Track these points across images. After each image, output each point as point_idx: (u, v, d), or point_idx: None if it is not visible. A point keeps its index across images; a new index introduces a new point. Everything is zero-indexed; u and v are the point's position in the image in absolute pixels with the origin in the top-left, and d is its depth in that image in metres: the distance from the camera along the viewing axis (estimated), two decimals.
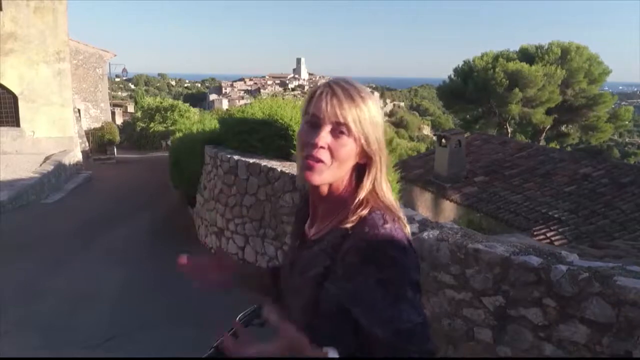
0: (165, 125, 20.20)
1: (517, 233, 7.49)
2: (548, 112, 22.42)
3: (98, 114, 21.65)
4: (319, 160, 0.99)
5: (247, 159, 6.07)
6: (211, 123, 9.77)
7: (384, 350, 0.90)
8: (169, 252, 7.04)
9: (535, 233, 8.07)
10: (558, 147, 21.24)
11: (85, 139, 18.06)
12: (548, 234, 8.13)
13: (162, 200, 10.42)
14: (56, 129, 14.62)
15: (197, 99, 60.11)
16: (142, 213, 9.33)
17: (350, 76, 1.07)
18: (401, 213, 1.03)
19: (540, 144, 20.01)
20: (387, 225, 0.96)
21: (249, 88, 67.41)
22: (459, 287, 2.92)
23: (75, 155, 14.69)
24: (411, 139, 42.40)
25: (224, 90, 65.52)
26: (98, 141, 19.15)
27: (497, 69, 21.63)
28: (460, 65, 24.02)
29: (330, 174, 1.01)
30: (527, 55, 22.65)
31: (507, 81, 21.21)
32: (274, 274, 1.28)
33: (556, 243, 7.55)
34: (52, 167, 12.21)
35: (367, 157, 1.02)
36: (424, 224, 3.37)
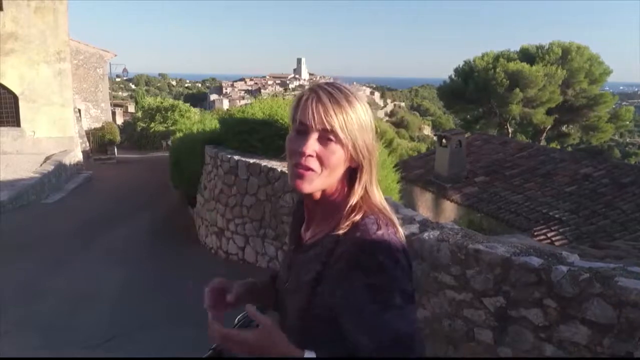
0: (165, 125, 20.20)
1: (518, 233, 7.47)
2: (549, 112, 22.41)
3: (98, 114, 21.65)
4: (309, 169, 0.98)
5: (248, 159, 6.08)
6: (211, 123, 9.78)
7: (367, 358, 0.88)
8: (169, 252, 7.09)
9: (535, 233, 8.07)
10: (559, 147, 21.23)
11: (85, 139, 18.06)
12: (549, 234, 8.13)
13: (163, 200, 10.42)
14: (57, 129, 14.63)
15: (198, 99, 60.09)
16: (142, 213, 9.34)
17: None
18: (394, 216, 1.02)
19: (541, 144, 19.98)
20: (380, 232, 0.95)
21: (250, 88, 67.37)
22: (460, 287, 2.91)
23: (75, 155, 14.69)
24: (412, 139, 42.31)
25: (224, 90, 65.49)
26: (98, 141, 19.14)
27: (497, 69, 21.62)
28: (460, 66, 24.04)
29: (321, 181, 0.99)
30: (527, 56, 22.63)
31: (508, 81, 21.20)
32: (274, 280, 1.27)
33: (557, 243, 7.54)
34: (52, 167, 12.22)
35: (358, 162, 1.01)
36: (424, 225, 3.36)
